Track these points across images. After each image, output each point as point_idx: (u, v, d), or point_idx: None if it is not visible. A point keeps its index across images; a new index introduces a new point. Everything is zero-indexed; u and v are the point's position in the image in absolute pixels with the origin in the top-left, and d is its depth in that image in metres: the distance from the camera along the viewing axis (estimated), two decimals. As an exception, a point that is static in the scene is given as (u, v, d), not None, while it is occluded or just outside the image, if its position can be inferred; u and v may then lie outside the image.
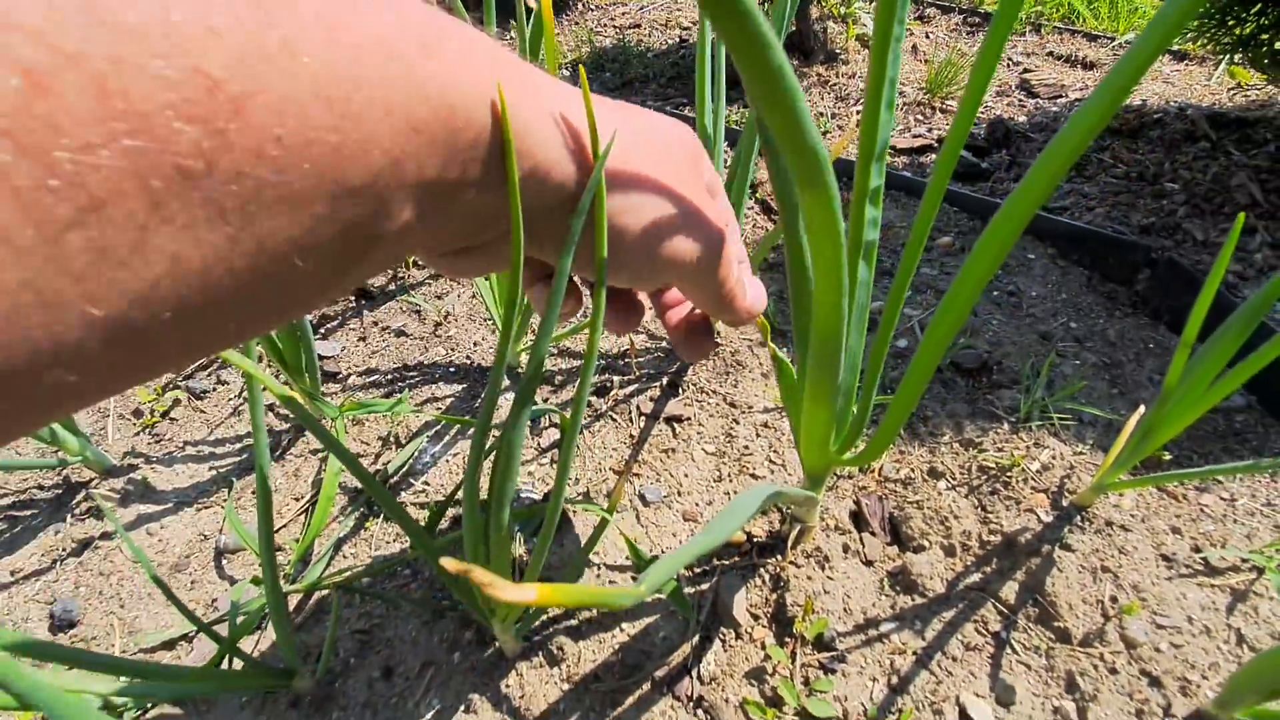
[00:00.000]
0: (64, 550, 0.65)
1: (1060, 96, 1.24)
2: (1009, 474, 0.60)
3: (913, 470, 0.63)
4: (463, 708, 0.52)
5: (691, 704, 0.50)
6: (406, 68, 0.17)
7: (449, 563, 0.17)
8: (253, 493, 0.68)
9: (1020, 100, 1.25)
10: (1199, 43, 1.00)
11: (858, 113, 1.23)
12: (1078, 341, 0.74)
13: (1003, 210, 0.29)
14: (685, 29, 1.56)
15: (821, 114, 1.19)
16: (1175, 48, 1.39)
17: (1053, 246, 0.86)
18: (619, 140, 0.23)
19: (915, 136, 1.10)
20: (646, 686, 0.52)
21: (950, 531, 0.57)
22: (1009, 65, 1.38)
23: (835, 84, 1.27)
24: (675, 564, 0.25)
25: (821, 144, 0.25)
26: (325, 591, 0.59)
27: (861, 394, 0.43)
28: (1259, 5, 0.89)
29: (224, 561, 0.63)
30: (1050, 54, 1.41)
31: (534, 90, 0.21)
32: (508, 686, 0.53)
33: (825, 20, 1.38)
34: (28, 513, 0.69)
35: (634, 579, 0.58)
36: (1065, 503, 0.58)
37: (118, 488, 0.69)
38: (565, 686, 0.52)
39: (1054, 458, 0.62)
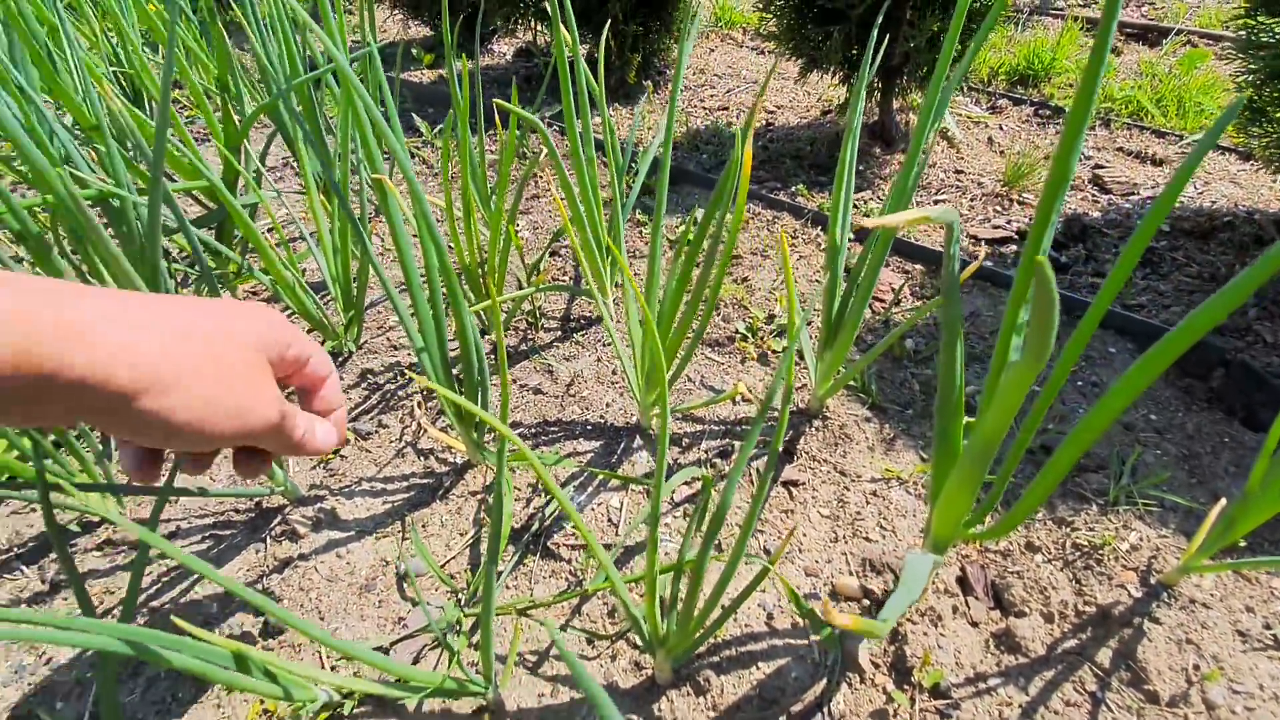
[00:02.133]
0: (267, 567, 0.77)
1: (1132, 194, 1.33)
2: (1100, 552, 0.68)
3: (1011, 543, 0.71)
4: (621, 726, 0.61)
5: (824, 737, 0.58)
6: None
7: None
8: (423, 525, 0.79)
9: (1094, 195, 1.34)
10: (1261, 146, 1.08)
11: (934, 200, 1.33)
12: (1158, 433, 0.82)
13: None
14: (770, 112, 1.70)
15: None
16: (1240, 147, 1.47)
17: (1132, 342, 0.95)
18: (162, 343, 0.33)
19: (995, 228, 1.20)
20: (783, 719, 0.60)
21: (1049, 600, 0.65)
22: (1081, 159, 1.48)
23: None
24: (900, 607, 0.34)
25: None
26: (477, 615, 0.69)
27: (996, 481, 0.52)
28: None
29: (404, 586, 0.74)
30: (1120, 149, 1.50)
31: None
32: (659, 710, 0.62)
33: (906, 112, 1.50)
34: (228, 533, 0.81)
35: (769, 623, 0.67)
36: (1153, 580, 0.66)
37: (309, 515, 0.81)
38: (710, 714, 0.61)
39: (1141, 539, 0.69)
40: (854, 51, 1.32)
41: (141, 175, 0.99)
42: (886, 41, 1.28)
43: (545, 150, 1.50)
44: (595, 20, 1.60)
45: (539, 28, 2.00)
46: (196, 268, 1.10)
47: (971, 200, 1.30)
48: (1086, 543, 0.69)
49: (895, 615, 0.34)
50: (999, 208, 1.27)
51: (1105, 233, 1.19)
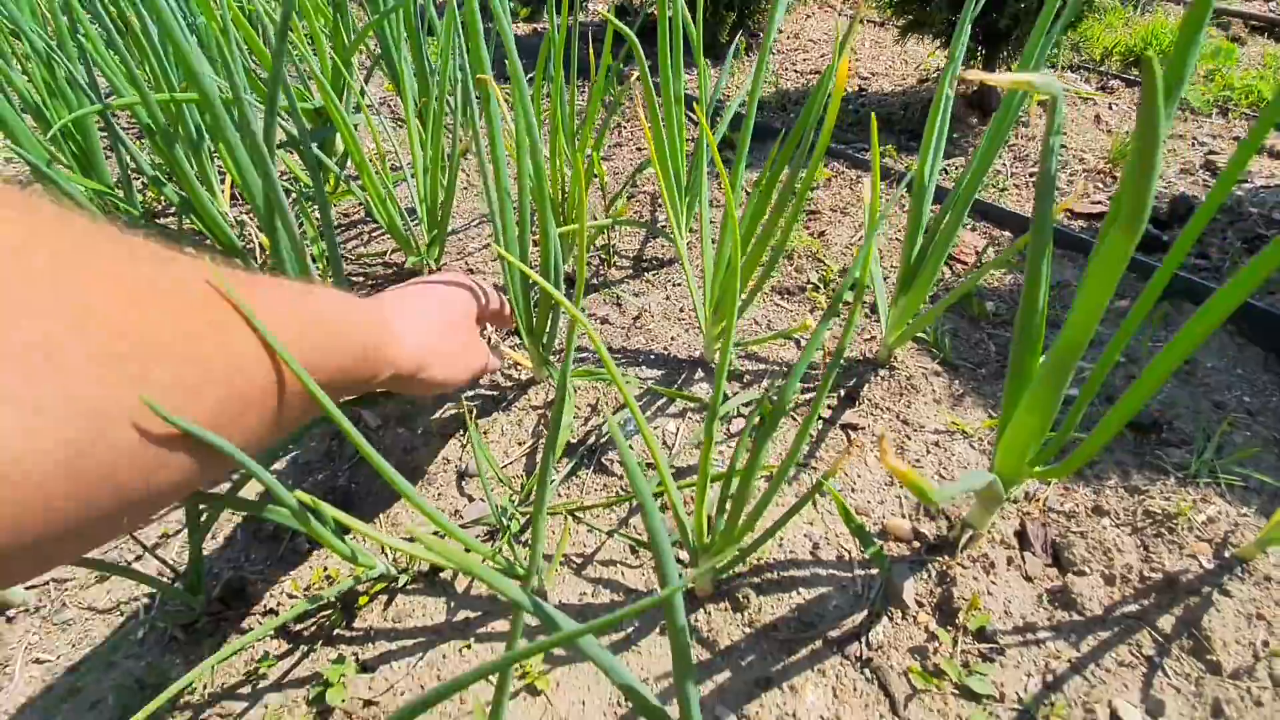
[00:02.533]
0: (338, 455, 0.81)
1: (1245, 181, 1.24)
2: (1174, 521, 0.65)
3: (1077, 505, 0.68)
4: (656, 629, 0.62)
5: (859, 664, 0.58)
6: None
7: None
8: (484, 432, 0.82)
9: (1205, 180, 1.25)
10: None
11: (1030, 172, 1.27)
12: (1250, 415, 0.77)
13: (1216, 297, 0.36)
14: (864, 79, 1.65)
15: (999, 171, 1.25)
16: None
17: (1232, 324, 0.89)
18: (425, 334, 0.58)
19: (1095, 203, 1.14)
20: (819, 643, 0.60)
21: (1112, 563, 0.62)
22: (1194, 144, 1.38)
23: (1015, 144, 1.32)
24: (954, 490, 0.34)
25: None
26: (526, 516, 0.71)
27: (1064, 424, 0.50)
28: None
29: (463, 483, 0.77)
30: (1236, 139, 1.40)
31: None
32: (696, 621, 0.63)
33: (1008, 83, 1.44)
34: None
35: (814, 553, 0.66)
36: (1227, 554, 0.62)
37: (380, 413, 0.85)
38: (746, 630, 0.62)
39: (1219, 513, 0.66)
40: (959, 14, 1.26)
41: (259, 89, 1.05)
42: (993, 3, 1.22)
43: (635, 95, 1.51)
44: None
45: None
46: (299, 184, 1.16)
47: (1071, 175, 1.24)
48: (1160, 511, 0.66)
49: (949, 496, 0.34)
50: (1100, 184, 1.21)
51: (1214, 218, 1.11)
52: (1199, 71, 1.70)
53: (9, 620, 0.68)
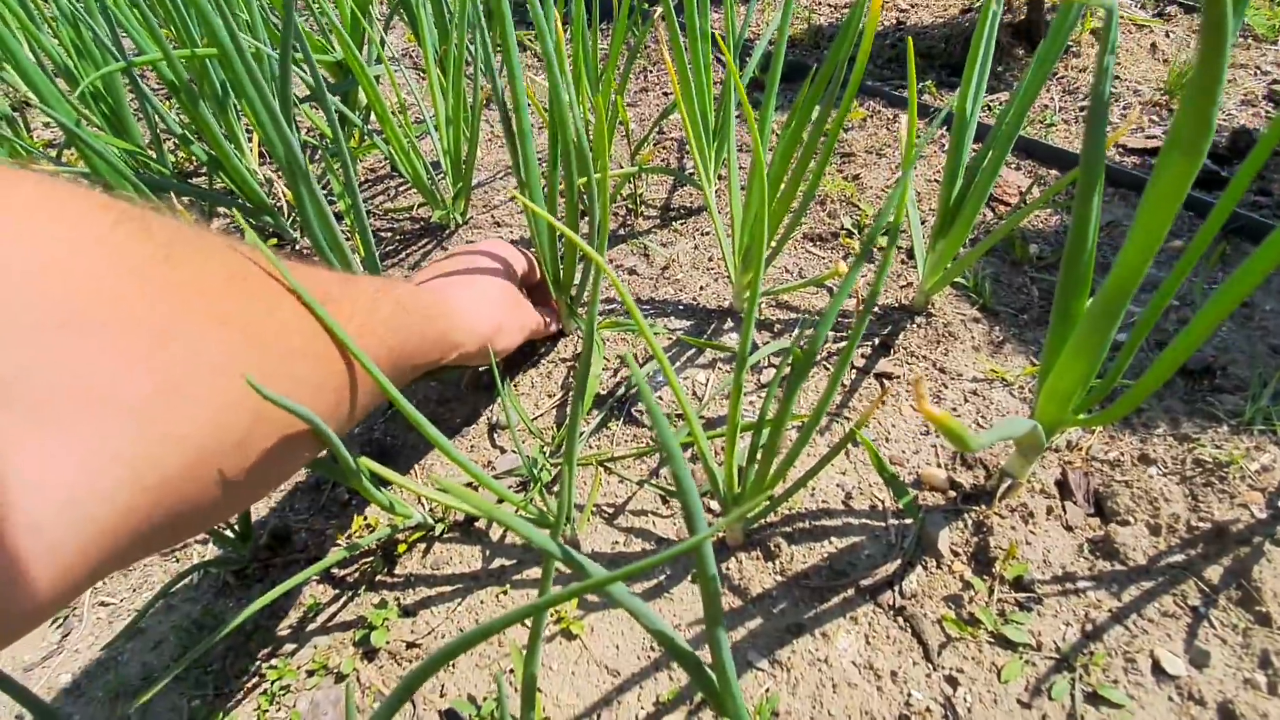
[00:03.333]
0: (378, 409, 0.82)
1: (1323, 108, 1.15)
2: (1225, 469, 0.62)
3: (1122, 454, 0.66)
4: (688, 577, 0.63)
5: (892, 611, 0.58)
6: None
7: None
8: (514, 385, 0.82)
9: (1267, 112, 1.17)
10: None
11: (1080, 107, 1.20)
12: (1314, 360, 0.73)
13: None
14: (902, 10, 1.57)
15: (1047, 106, 1.18)
16: None
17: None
18: (481, 310, 0.65)
19: (1149, 138, 1.07)
20: (851, 591, 0.60)
21: (1158, 512, 0.61)
22: (1257, 74, 1.29)
23: (1064, 76, 1.24)
24: (992, 438, 0.33)
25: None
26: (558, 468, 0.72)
27: (1111, 369, 0.48)
28: None
29: (495, 435, 0.78)
30: (1313, 62, 1.29)
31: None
32: (727, 569, 0.63)
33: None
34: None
35: (846, 503, 0.66)
36: (1283, 505, 0.60)
37: (411, 366, 0.86)
38: (778, 578, 0.62)
39: (1274, 461, 0.63)
40: (1007, -67, 1.18)
41: (275, 37, 1.04)
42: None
43: (659, 36, 1.46)
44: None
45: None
46: (322, 139, 1.15)
47: (1124, 108, 1.17)
48: (1210, 459, 0.63)
49: (987, 443, 0.33)
50: (1155, 118, 1.13)
51: (1276, 152, 1.04)
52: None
53: (72, 567, 0.71)
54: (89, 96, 1.02)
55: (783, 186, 0.74)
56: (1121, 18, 1.47)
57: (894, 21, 1.54)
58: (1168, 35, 1.43)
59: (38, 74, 0.87)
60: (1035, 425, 0.45)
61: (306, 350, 0.37)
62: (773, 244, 0.80)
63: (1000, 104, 1.20)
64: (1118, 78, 1.26)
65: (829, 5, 1.65)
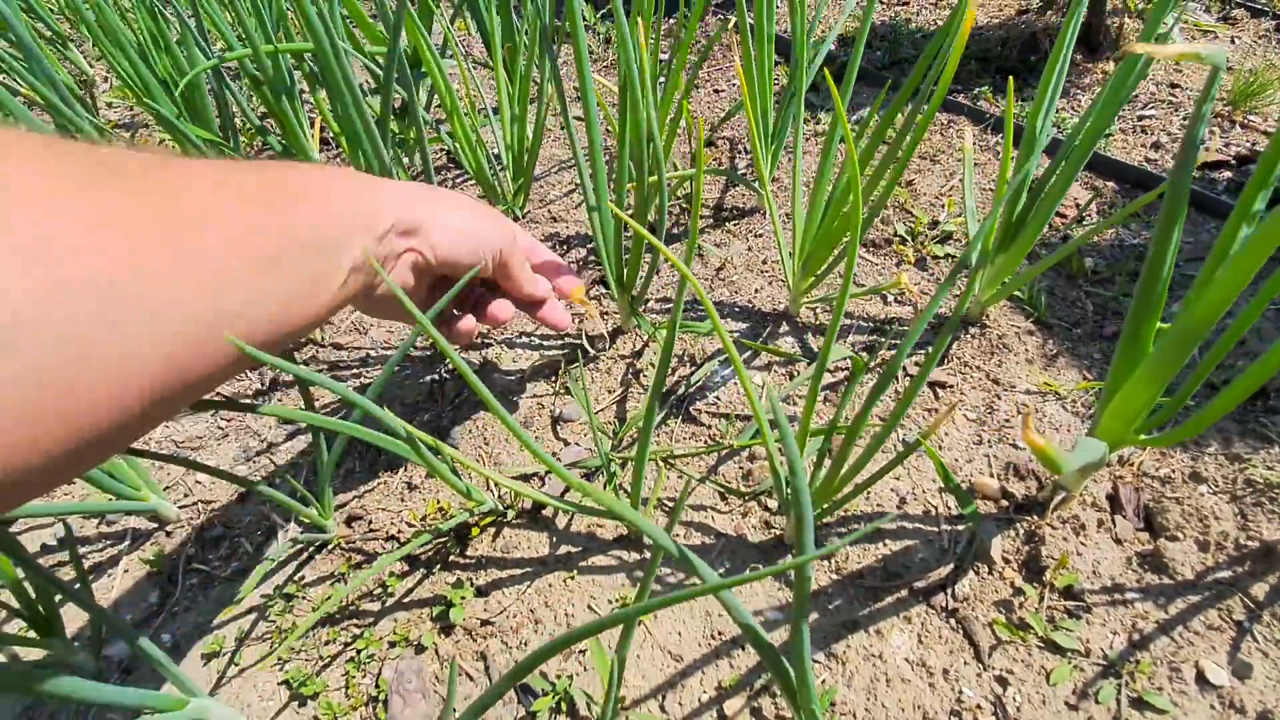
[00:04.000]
0: (444, 397, 0.86)
1: (1390, 123, 1.13)
2: (1276, 490, 0.64)
3: (1173, 471, 0.68)
4: (747, 570, 0.66)
5: (945, 614, 0.61)
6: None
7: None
8: (575, 379, 0.86)
9: (1338, 122, 1.15)
10: None
11: (1139, 116, 1.20)
12: (1370, 384, 0.74)
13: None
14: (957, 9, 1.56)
15: (1103, 115, 1.18)
16: None
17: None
18: (446, 218, 0.54)
19: (1214, 150, 1.07)
20: (905, 592, 0.63)
21: (1208, 529, 0.63)
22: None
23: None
24: (1081, 460, 0.35)
25: None
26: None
27: (1178, 392, 0.50)
28: None
29: (559, 427, 0.81)
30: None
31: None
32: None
33: (1121, 15, 1.33)
34: (407, 369, 0.92)
35: (900, 507, 0.69)
36: (1334, 528, 0.62)
37: (475, 359, 0.90)
38: (834, 576, 0.65)
39: (1328, 486, 0.65)
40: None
41: (352, 36, 1.07)
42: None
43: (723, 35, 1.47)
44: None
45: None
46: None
47: (1186, 118, 1.16)
48: (1262, 480, 0.65)
49: (1076, 467, 0.35)
50: (1218, 129, 1.13)
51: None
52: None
53: (168, 534, 0.76)
54: (165, 86, 1.07)
55: (850, 197, 0.76)
56: (1185, 22, 1.45)
57: (948, 21, 1.53)
58: (1233, 41, 1.41)
59: (141, 66, 0.91)
60: (1106, 448, 0.47)
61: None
62: (835, 252, 0.82)
63: (1057, 111, 1.20)
64: (1179, 86, 1.25)
65: (881, 3, 1.64)
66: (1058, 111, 1.20)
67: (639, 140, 0.72)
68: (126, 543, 0.76)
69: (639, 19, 0.70)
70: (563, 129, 1.29)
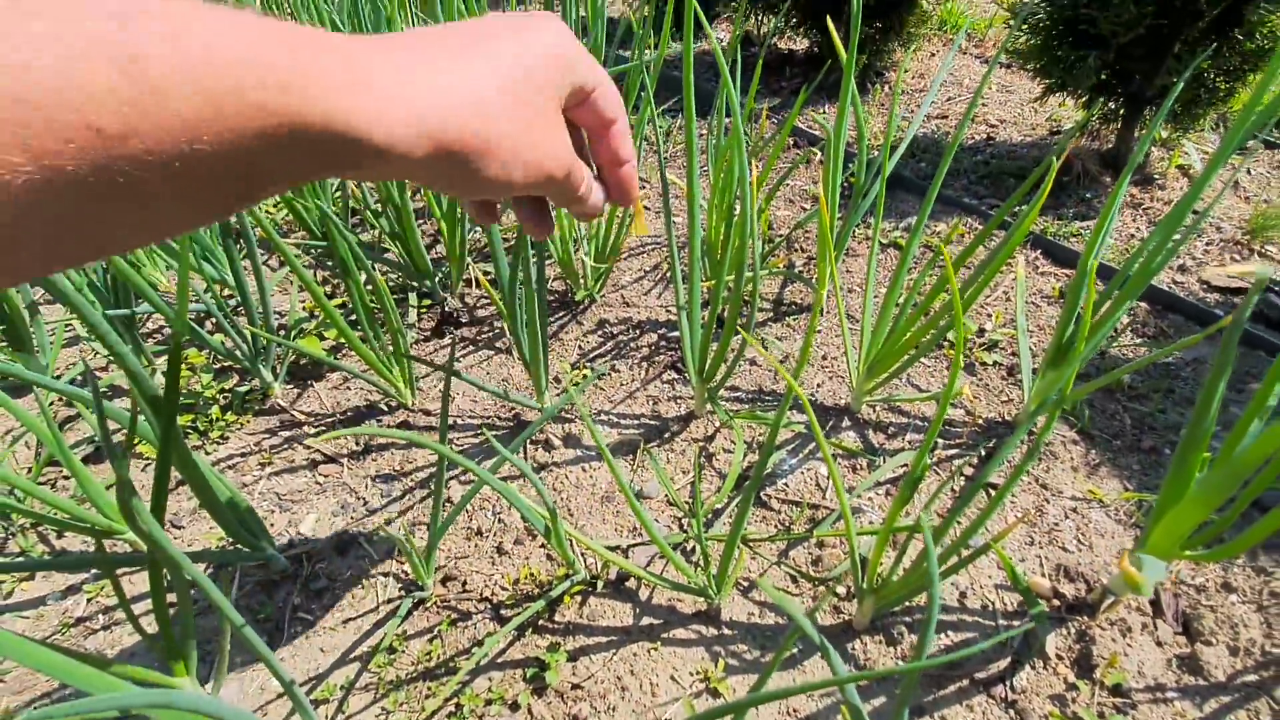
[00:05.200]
0: (530, 465, 0.94)
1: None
2: (1305, 607, 0.71)
3: (1207, 580, 0.74)
4: (816, 654, 0.72)
5: (1004, 704, 0.67)
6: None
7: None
8: (653, 459, 0.93)
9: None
10: None
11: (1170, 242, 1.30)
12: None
13: None
14: (991, 126, 1.69)
15: (1133, 235, 1.28)
16: None
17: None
18: (477, 103, 0.27)
19: (1230, 277, 1.16)
20: (966, 681, 0.69)
21: (1238, 635, 0.69)
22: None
23: (1149, 208, 1.35)
24: (1155, 576, 0.43)
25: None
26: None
27: (1225, 515, 0.57)
28: None
29: (640, 504, 0.89)
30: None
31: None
32: (853, 650, 0.72)
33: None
34: (497, 434, 1.00)
35: (961, 600, 0.75)
36: (1359, 645, 0.68)
37: (559, 433, 0.98)
38: (899, 662, 0.71)
39: (1352, 605, 0.71)
40: (1105, 77, 1.30)
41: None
42: (1144, 72, 1.26)
43: (796, 142, 1.59)
44: (821, 17, 1.66)
45: (761, 18, 2.08)
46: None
47: (1207, 244, 1.26)
48: (1291, 596, 0.72)
49: (1152, 584, 0.43)
50: (1236, 256, 1.23)
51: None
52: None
53: (275, 583, 0.83)
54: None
55: (909, 311, 0.85)
56: (1206, 151, 1.57)
57: (985, 135, 1.66)
58: (1248, 171, 1.53)
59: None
60: (1166, 568, 0.54)
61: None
62: (903, 357, 0.90)
63: (1086, 230, 1.30)
64: (1197, 211, 1.36)
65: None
66: (1086, 231, 1.30)
67: (728, 243, 0.82)
68: (235, 587, 0.83)
69: (752, 160, 0.80)
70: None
